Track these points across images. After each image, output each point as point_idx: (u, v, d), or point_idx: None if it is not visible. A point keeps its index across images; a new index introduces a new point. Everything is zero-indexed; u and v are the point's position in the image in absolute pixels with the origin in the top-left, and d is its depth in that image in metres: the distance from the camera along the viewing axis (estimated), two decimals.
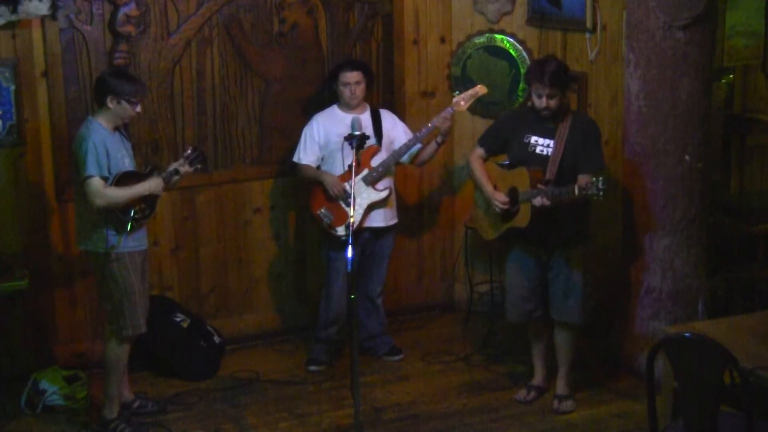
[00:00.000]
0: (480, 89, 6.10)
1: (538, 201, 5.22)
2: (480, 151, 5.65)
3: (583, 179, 5.23)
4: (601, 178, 5.01)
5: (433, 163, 6.84)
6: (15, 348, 5.98)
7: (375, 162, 6.00)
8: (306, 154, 6.07)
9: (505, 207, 5.40)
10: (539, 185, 5.27)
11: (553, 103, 5.32)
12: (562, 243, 5.43)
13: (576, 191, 5.09)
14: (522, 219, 5.35)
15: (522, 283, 5.58)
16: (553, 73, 5.28)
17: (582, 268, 5.49)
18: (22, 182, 5.92)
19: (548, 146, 5.37)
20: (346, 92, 6.00)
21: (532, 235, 5.39)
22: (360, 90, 6.02)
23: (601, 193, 5.00)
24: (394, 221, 6.18)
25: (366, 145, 5.78)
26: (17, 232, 5.94)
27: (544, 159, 5.36)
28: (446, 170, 6.95)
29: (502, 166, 5.57)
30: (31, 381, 5.75)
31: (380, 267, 6.20)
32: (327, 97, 6.25)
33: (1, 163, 5.85)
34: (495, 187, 5.50)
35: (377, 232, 6.08)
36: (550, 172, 5.32)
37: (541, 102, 5.33)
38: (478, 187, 5.63)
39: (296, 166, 6.13)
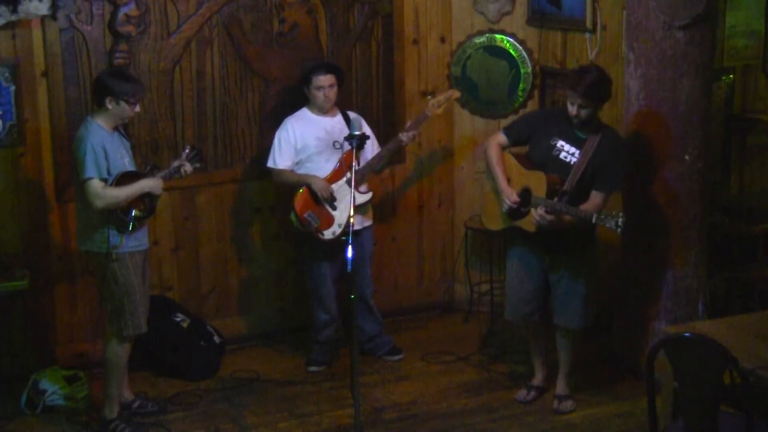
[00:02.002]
0: (453, 93, 6.18)
1: (538, 212, 5.16)
2: (502, 139, 5.52)
3: (597, 197, 5.22)
4: (621, 214, 4.97)
5: (433, 164, 6.85)
6: (15, 348, 5.98)
7: (355, 165, 5.95)
8: (282, 159, 6.00)
9: (514, 206, 5.35)
10: (555, 198, 5.19)
11: (584, 113, 5.23)
12: (567, 248, 5.40)
13: (594, 218, 5.04)
14: (530, 223, 5.29)
15: (523, 285, 5.57)
16: (590, 85, 5.18)
17: (586, 274, 5.47)
18: (22, 182, 5.92)
19: (573, 155, 5.30)
20: (319, 96, 5.95)
21: (536, 237, 5.36)
22: (333, 93, 5.98)
23: (618, 230, 4.98)
24: (368, 222, 6.16)
25: (346, 149, 5.79)
26: (17, 232, 5.94)
27: (566, 166, 5.29)
28: (446, 170, 6.95)
29: (517, 157, 5.49)
30: (31, 381, 5.76)
31: (364, 268, 6.14)
32: (299, 100, 6.16)
33: (1, 163, 5.85)
34: (508, 181, 5.44)
35: (354, 234, 6.02)
36: (570, 183, 5.25)
37: (572, 109, 5.26)
38: (491, 176, 5.53)
39: (272, 171, 6.07)
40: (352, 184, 5.24)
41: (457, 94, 6.23)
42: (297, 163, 6.01)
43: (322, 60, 6.32)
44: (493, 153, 5.52)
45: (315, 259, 6.07)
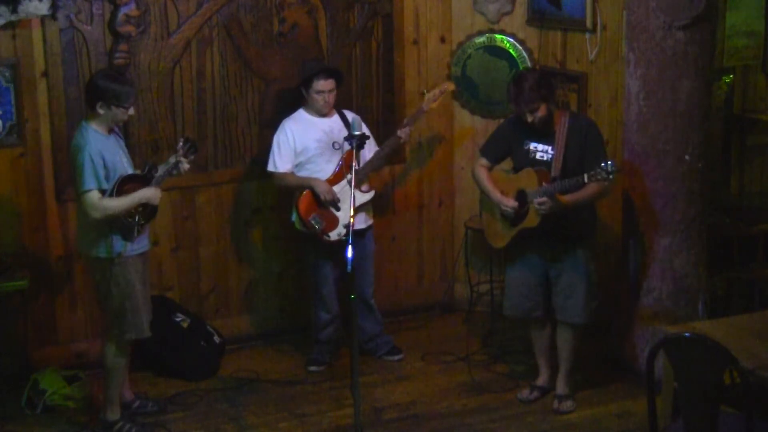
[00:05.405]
0: (448, 85, 6.22)
1: (538, 202, 5.21)
2: (483, 161, 5.62)
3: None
4: (610, 162, 5.01)
5: (434, 163, 6.86)
6: (15, 348, 5.98)
7: (355, 165, 5.95)
8: (283, 162, 5.99)
9: (514, 208, 5.39)
10: (545, 183, 5.26)
11: (538, 116, 5.30)
12: (568, 240, 5.42)
13: (585, 178, 5.09)
14: (532, 219, 5.33)
15: (523, 280, 5.57)
16: (530, 89, 5.23)
17: (587, 268, 5.48)
18: (22, 182, 5.92)
19: (547, 151, 5.37)
20: (319, 100, 5.93)
21: (538, 231, 5.36)
22: (333, 97, 5.97)
23: (611, 176, 5.00)
24: (371, 221, 6.16)
25: (345, 149, 5.78)
26: (17, 232, 5.94)
27: (545, 164, 5.36)
28: (446, 170, 6.95)
29: (508, 171, 5.57)
30: (31, 381, 5.75)
31: (365, 268, 6.14)
32: (296, 101, 6.14)
33: (1, 163, 5.85)
34: (502, 192, 5.48)
35: (357, 233, 6.02)
36: (555, 169, 5.30)
37: (528, 118, 5.32)
38: (485, 195, 5.60)
39: (273, 175, 6.06)
40: (353, 184, 5.23)
41: (451, 86, 6.25)
42: (297, 165, 6.01)
43: (322, 62, 6.32)
44: (481, 173, 5.60)
45: (317, 258, 6.08)
